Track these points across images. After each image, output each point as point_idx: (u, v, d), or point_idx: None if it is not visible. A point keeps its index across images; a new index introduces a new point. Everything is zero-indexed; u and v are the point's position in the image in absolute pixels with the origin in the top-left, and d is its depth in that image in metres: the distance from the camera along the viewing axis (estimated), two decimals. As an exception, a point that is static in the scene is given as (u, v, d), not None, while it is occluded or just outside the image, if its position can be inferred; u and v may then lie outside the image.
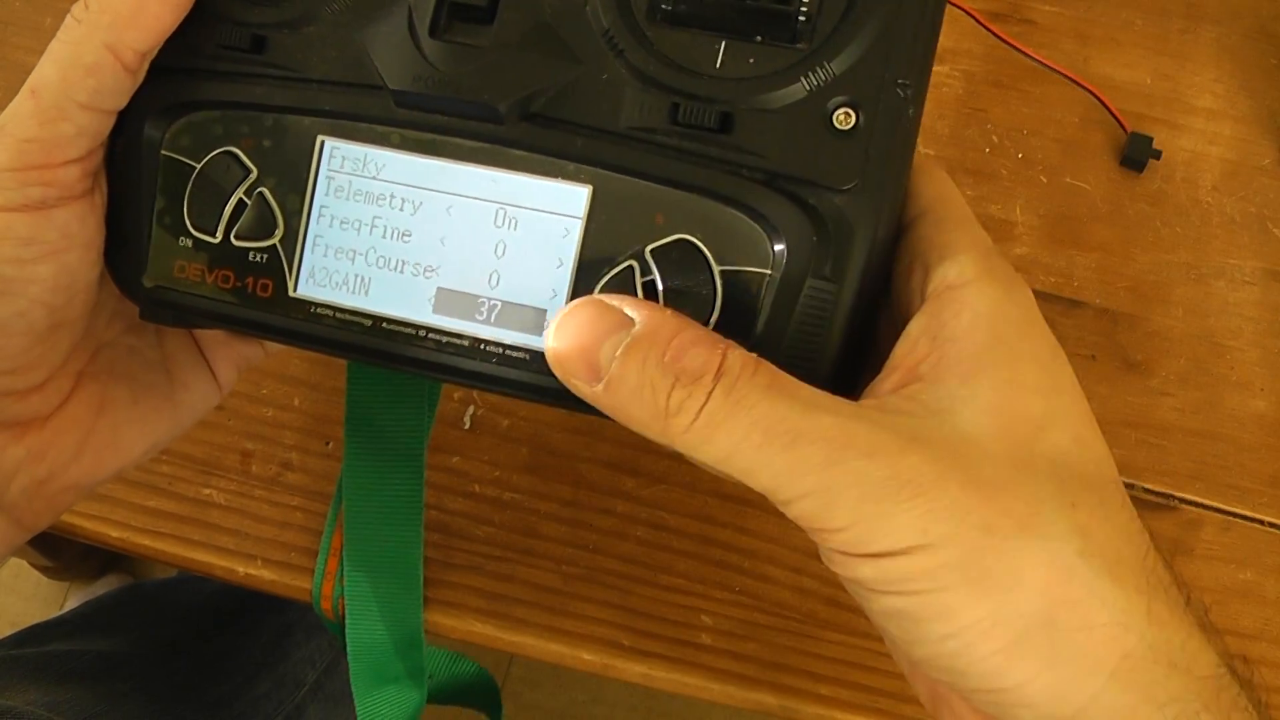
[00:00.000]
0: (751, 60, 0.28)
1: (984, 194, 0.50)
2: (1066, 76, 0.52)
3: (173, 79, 0.30)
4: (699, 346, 0.25)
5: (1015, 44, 0.52)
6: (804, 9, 0.28)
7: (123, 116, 0.30)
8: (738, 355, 0.25)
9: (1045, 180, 0.51)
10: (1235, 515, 0.45)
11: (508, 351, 0.29)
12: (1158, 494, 0.45)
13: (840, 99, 0.27)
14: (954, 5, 0.53)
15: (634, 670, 0.42)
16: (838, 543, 0.25)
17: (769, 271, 0.28)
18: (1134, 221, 0.50)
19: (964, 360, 0.26)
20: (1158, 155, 0.50)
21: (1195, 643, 0.25)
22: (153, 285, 0.31)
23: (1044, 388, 0.26)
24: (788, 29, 0.28)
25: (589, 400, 0.26)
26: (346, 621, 0.41)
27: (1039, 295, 0.48)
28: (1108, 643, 0.24)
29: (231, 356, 0.36)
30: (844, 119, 0.27)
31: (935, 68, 0.52)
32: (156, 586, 0.82)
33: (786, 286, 0.27)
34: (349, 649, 0.41)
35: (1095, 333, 0.48)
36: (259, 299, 0.30)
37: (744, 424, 0.24)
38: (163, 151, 0.31)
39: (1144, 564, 0.26)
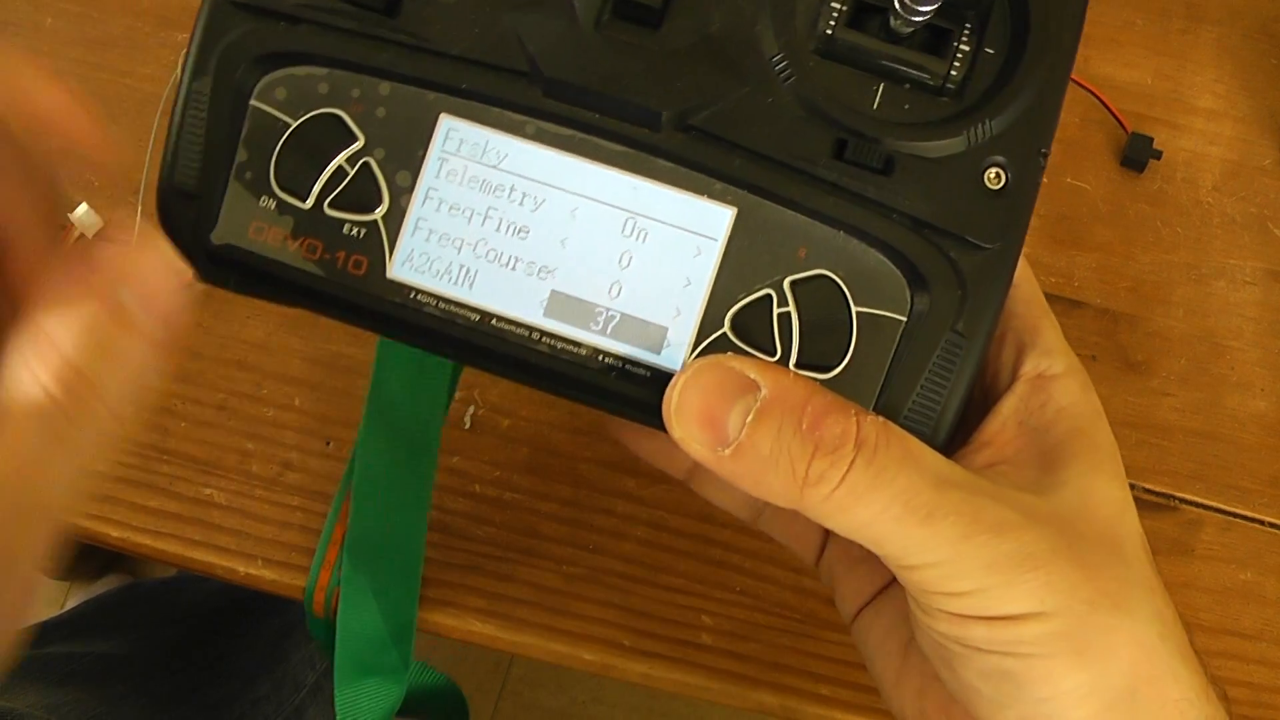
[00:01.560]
0: (907, 106, 0.28)
1: (984, 194, 0.50)
2: (1067, 77, 0.52)
3: (277, 26, 0.28)
4: (834, 414, 0.25)
5: (1016, 44, 0.52)
6: (957, 63, 0.28)
7: (210, 56, 0.28)
8: (872, 423, 0.26)
9: (1045, 180, 0.50)
10: (1235, 515, 0.45)
11: (625, 366, 0.28)
12: (1158, 494, 0.45)
13: (995, 159, 0.28)
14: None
15: (634, 670, 0.42)
16: (956, 606, 0.26)
17: (904, 319, 0.28)
18: (1134, 222, 0.50)
19: (1048, 450, 0.28)
20: (1158, 155, 0.50)
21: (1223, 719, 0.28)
22: (221, 244, 0.29)
23: (1118, 476, 0.29)
24: (936, 84, 0.28)
25: (709, 465, 0.26)
26: (340, 607, 0.41)
27: (1039, 295, 0.48)
28: (1176, 715, 0.27)
29: None
30: (995, 179, 0.28)
31: (936, 68, 0.52)
32: (156, 586, 0.82)
33: (923, 336, 0.27)
34: (338, 635, 0.41)
35: (1096, 333, 0.48)
36: (350, 275, 0.28)
37: (885, 496, 0.25)
38: (252, 101, 0.28)
39: (1193, 650, 0.28)
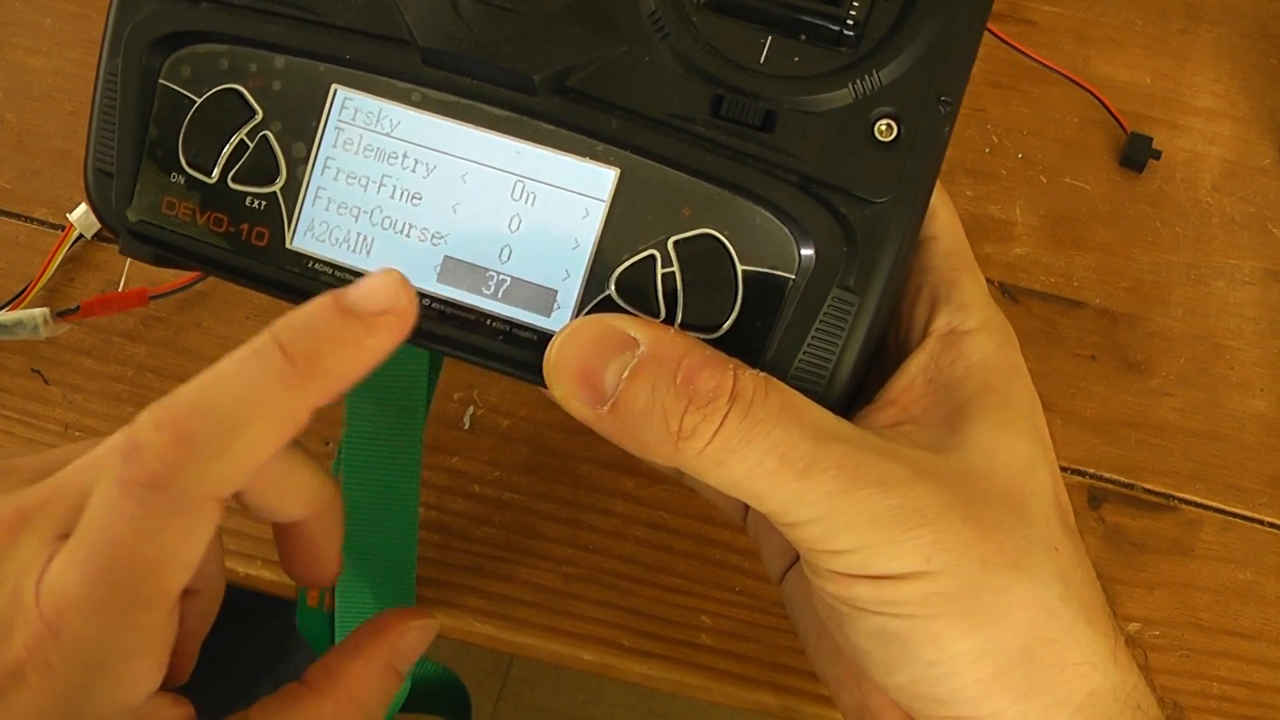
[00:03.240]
0: (796, 59, 0.27)
1: (984, 194, 0.50)
2: (1066, 77, 0.52)
3: (181, 5, 0.29)
4: (710, 368, 0.25)
5: (1015, 44, 0.52)
6: (853, 13, 0.27)
7: (122, 37, 0.29)
8: (749, 376, 0.25)
9: (1045, 180, 0.51)
10: (1235, 515, 0.45)
11: (514, 330, 0.28)
12: (1158, 494, 0.45)
13: (885, 109, 0.27)
14: (954, 5, 0.53)
15: (634, 670, 0.42)
16: (839, 564, 0.26)
17: (793, 276, 0.27)
18: (1134, 221, 0.50)
19: (956, 408, 0.27)
20: (1157, 155, 0.50)
21: (1143, 687, 0.27)
22: (137, 220, 0.30)
23: (1028, 433, 0.28)
24: (833, 32, 0.27)
25: (589, 423, 0.26)
26: (336, 605, 0.41)
27: (1039, 295, 0.48)
28: (1078, 680, 0.26)
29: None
30: (886, 130, 0.27)
31: (935, 68, 0.52)
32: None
33: (810, 293, 0.27)
34: (336, 634, 0.41)
35: (1095, 333, 0.48)
36: (253, 247, 0.29)
37: (759, 449, 0.24)
38: (160, 80, 0.29)
39: (1106, 610, 0.27)
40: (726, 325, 0.27)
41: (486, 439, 0.45)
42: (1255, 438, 0.46)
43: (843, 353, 0.27)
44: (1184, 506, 0.45)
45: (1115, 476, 0.46)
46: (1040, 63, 0.52)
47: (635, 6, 0.27)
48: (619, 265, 0.28)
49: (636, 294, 0.28)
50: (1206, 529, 0.45)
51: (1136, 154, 0.50)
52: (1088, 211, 0.50)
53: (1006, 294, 0.49)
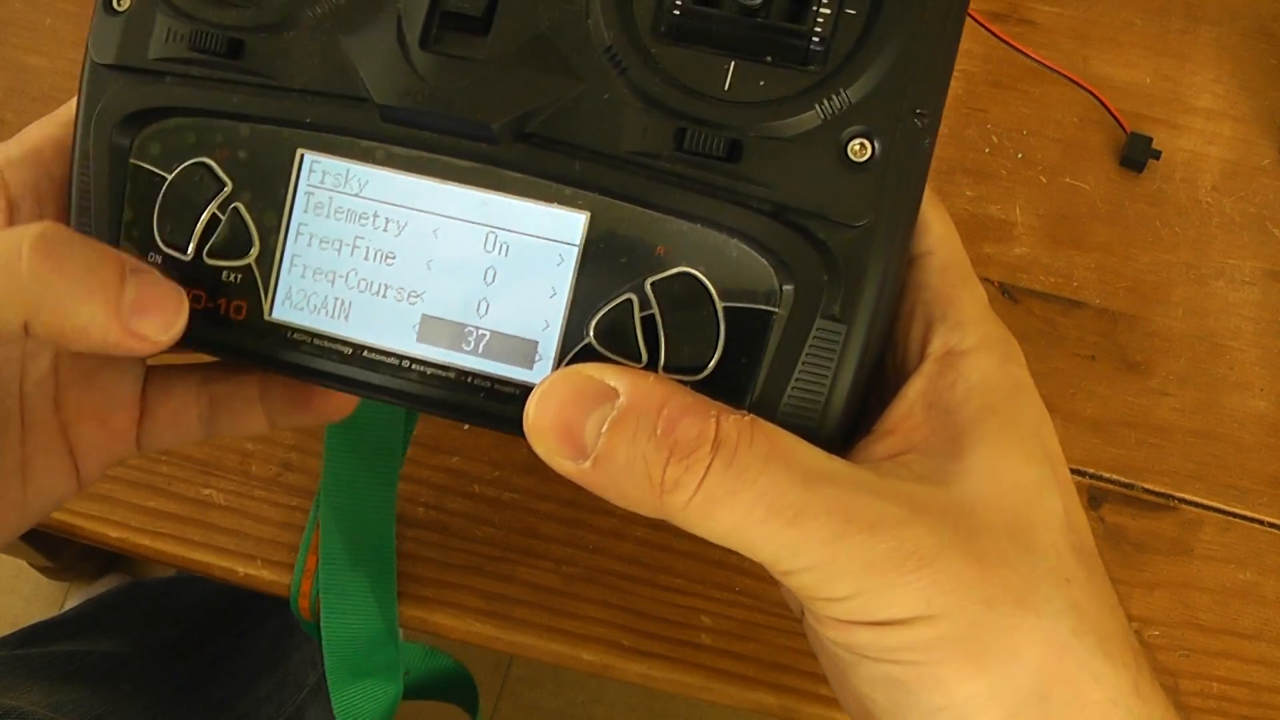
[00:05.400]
0: (761, 83, 0.26)
1: (984, 194, 0.50)
2: (1066, 77, 0.52)
3: (142, 82, 0.29)
4: (691, 415, 0.24)
5: (1015, 44, 0.52)
6: (818, 30, 0.26)
7: (91, 119, 0.29)
8: (732, 422, 0.24)
9: (1045, 180, 0.51)
10: (1235, 515, 0.45)
11: (496, 386, 0.27)
12: (1158, 494, 0.45)
13: (856, 129, 0.26)
14: (954, 5, 0.53)
15: (634, 670, 0.42)
16: (837, 611, 0.25)
17: (776, 310, 0.26)
18: (1134, 222, 0.50)
19: (958, 433, 0.26)
20: (1157, 155, 0.50)
21: (1172, 717, 0.26)
22: None
23: (1035, 456, 0.27)
24: (800, 51, 0.26)
25: (574, 478, 0.25)
26: (322, 615, 0.41)
27: (1039, 295, 0.48)
28: (1098, 718, 0.25)
29: (102, 453, 0.32)
30: (859, 150, 0.26)
31: (935, 68, 0.52)
32: (158, 585, 0.82)
33: (793, 326, 0.26)
34: (324, 643, 0.41)
35: (1095, 333, 0.48)
36: (232, 322, 0.29)
37: (746, 499, 0.24)
38: (131, 160, 0.29)
39: (1127, 639, 0.26)
40: (711, 365, 0.26)
41: (486, 439, 0.45)
42: (1255, 438, 0.46)
43: (834, 385, 0.26)
44: (1184, 506, 0.45)
45: (1115, 476, 0.46)
46: (1040, 63, 0.52)
47: (589, 42, 0.27)
48: (597, 311, 0.27)
49: (617, 339, 0.27)
50: (1206, 529, 0.45)
51: (1136, 154, 0.50)
52: (1087, 211, 0.50)
53: (1006, 294, 0.49)
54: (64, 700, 0.56)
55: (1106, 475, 0.46)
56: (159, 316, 0.27)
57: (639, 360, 0.27)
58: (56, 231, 0.26)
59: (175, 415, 0.33)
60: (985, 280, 0.49)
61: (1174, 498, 0.46)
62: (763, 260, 0.26)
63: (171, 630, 0.71)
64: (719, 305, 0.26)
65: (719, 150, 0.26)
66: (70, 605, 1.11)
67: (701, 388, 0.26)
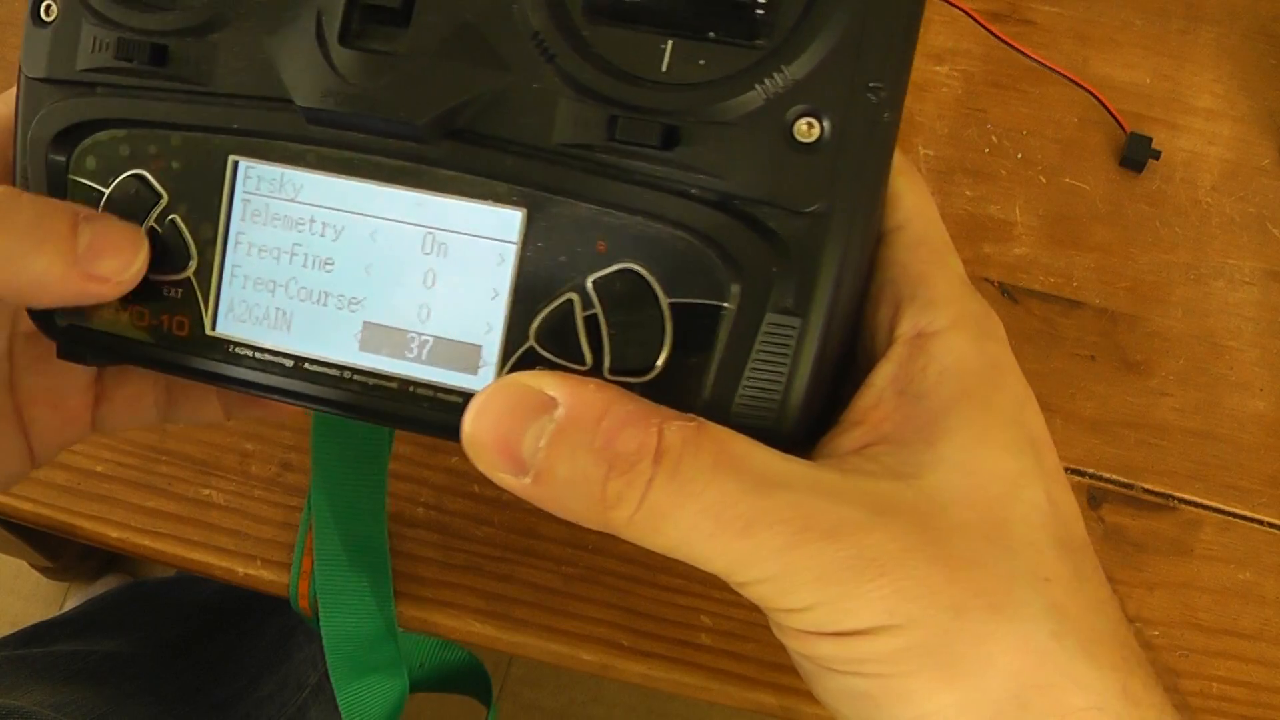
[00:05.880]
0: (702, 62, 0.24)
1: (984, 194, 0.50)
2: (1066, 77, 0.52)
3: (74, 94, 0.28)
4: (632, 426, 0.22)
5: (1014, 44, 0.52)
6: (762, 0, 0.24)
7: (26, 137, 0.28)
8: (676, 430, 0.22)
9: (1045, 180, 0.51)
10: (1235, 515, 0.45)
11: (439, 395, 0.26)
12: (1157, 494, 0.45)
13: (802, 107, 0.24)
14: (953, 5, 0.53)
15: (634, 670, 0.42)
16: (798, 622, 0.24)
17: (725, 304, 0.24)
18: (1133, 222, 0.50)
19: (931, 421, 0.24)
20: (1157, 155, 0.50)
21: (1169, 718, 0.24)
22: (66, 324, 0.29)
23: (1015, 443, 0.25)
24: (744, 23, 0.24)
25: (517, 493, 0.23)
26: (320, 615, 0.41)
27: (1039, 295, 0.48)
28: None
29: (56, 435, 0.32)
30: (807, 130, 0.24)
31: (934, 68, 0.52)
32: (160, 585, 0.82)
33: (742, 321, 0.24)
34: (325, 642, 0.42)
35: (1095, 333, 0.48)
36: (175, 338, 0.28)
37: (692, 512, 0.22)
38: (70, 176, 0.28)
39: (1117, 638, 0.24)
40: (659, 365, 0.25)
41: (486, 439, 0.45)
42: (1255, 438, 0.46)
43: (790, 382, 0.25)
44: (1183, 506, 0.45)
45: (1115, 476, 0.46)
46: (1040, 63, 0.52)
47: (517, 30, 0.25)
48: (538, 313, 0.25)
49: (560, 342, 0.25)
50: (1206, 529, 0.45)
51: (1136, 154, 0.50)
52: (1087, 211, 0.50)
53: (1006, 294, 0.49)
54: (66, 700, 0.56)
55: (1106, 475, 0.46)
56: (117, 257, 0.26)
57: (583, 363, 0.25)
58: (4, 191, 0.26)
59: (131, 401, 0.33)
60: (985, 280, 0.49)
61: (1174, 498, 0.46)
62: (709, 253, 0.24)
63: (173, 630, 0.71)
64: (664, 302, 0.25)
65: (653, 138, 0.24)
66: (70, 605, 1.11)
67: (650, 390, 0.25)
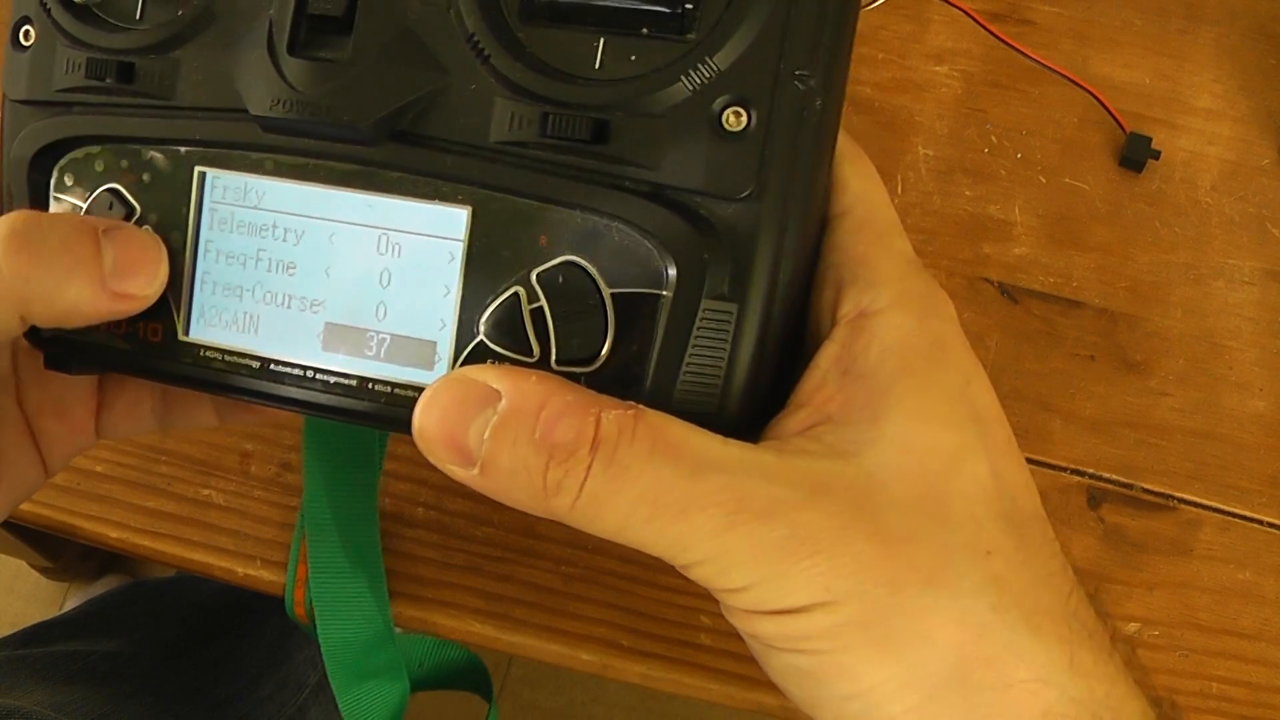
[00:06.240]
0: (634, 58, 0.25)
1: (983, 194, 0.50)
2: (1065, 77, 0.52)
3: (52, 114, 0.29)
4: (570, 415, 0.23)
5: (1014, 44, 0.52)
6: None
7: (8, 158, 0.29)
8: (613, 418, 0.23)
9: (1044, 180, 0.51)
10: (1234, 515, 0.45)
11: (397, 391, 0.27)
12: (1157, 494, 0.45)
13: (728, 97, 0.24)
14: (953, 5, 0.53)
15: (633, 670, 0.42)
16: (738, 601, 0.24)
17: (664, 292, 0.25)
18: (1133, 222, 0.50)
19: (873, 399, 0.25)
20: (1157, 155, 0.50)
21: (1121, 689, 0.24)
22: (50, 334, 0.29)
23: (956, 418, 0.25)
24: (674, 20, 0.25)
25: (468, 485, 0.24)
26: (317, 623, 0.41)
27: (1038, 295, 0.48)
28: (1026, 699, 0.23)
29: (65, 444, 0.33)
30: (734, 120, 0.24)
31: (934, 68, 0.52)
32: (160, 585, 0.82)
33: (678, 309, 0.25)
34: (323, 649, 0.42)
35: (1094, 333, 0.48)
36: (151, 345, 0.29)
37: (629, 498, 0.23)
38: (53, 194, 0.29)
39: (1066, 609, 0.24)
40: (604, 355, 0.26)
41: (486, 439, 0.45)
42: (1254, 438, 0.46)
43: (731, 366, 0.25)
44: (1183, 506, 0.45)
45: (1114, 476, 0.46)
46: (1039, 63, 0.52)
47: (454, 33, 0.26)
48: (486, 307, 0.26)
49: (508, 335, 0.26)
50: (1205, 529, 0.45)
51: (1136, 154, 0.50)
52: (1087, 211, 0.50)
53: (1006, 294, 0.49)
54: (67, 700, 0.56)
55: (1106, 475, 0.46)
56: (141, 274, 0.27)
57: (531, 355, 0.26)
58: (25, 221, 0.27)
59: (130, 408, 0.34)
60: (984, 280, 0.49)
61: (1173, 498, 0.46)
62: (645, 243, 0.25)
63: (173, 630, 0.71)
64: (606, 292, 0.26)
65: (583, 133, 0.25)
66: (70, 605, 1.11)
67: (595, 380, 0.26)
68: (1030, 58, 0.52)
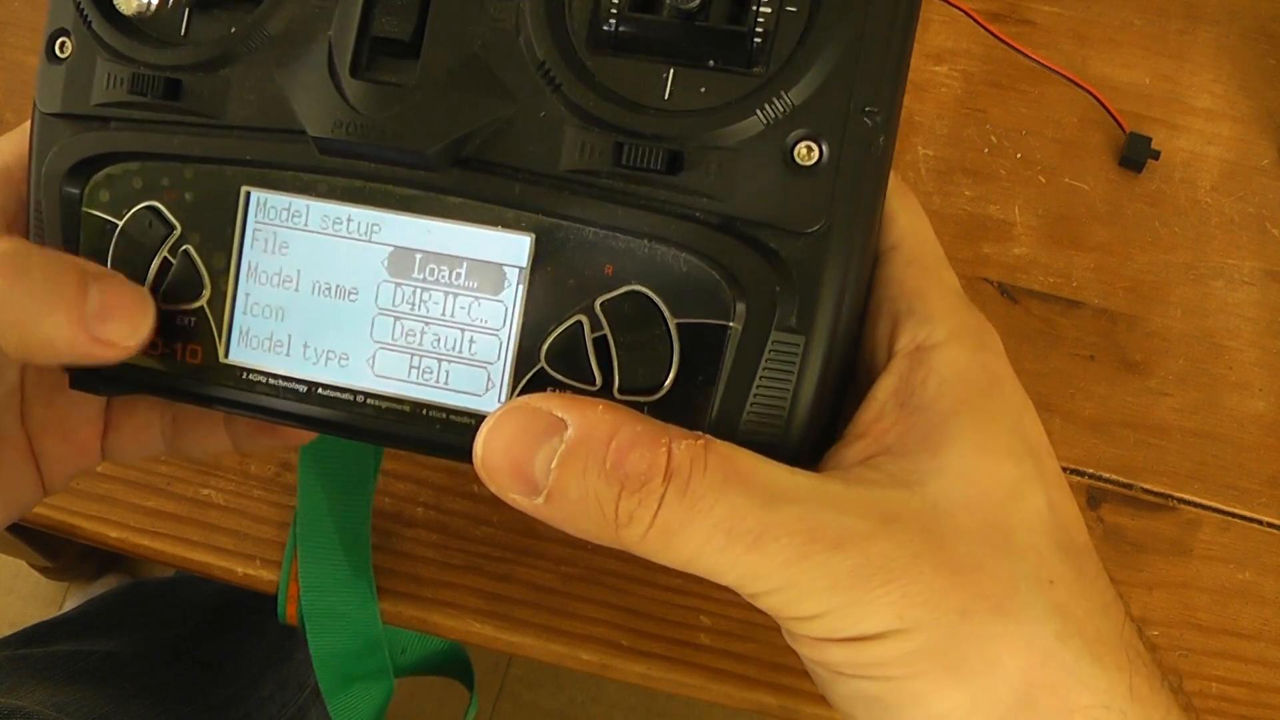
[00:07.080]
0: (703, 89, 0.25)
1: (983, 194, 0.50)
2: (1065, 77, 0.52)
3: (88, 129, 0.28)
4: (641, 446, 0.23)
5: (1014, 44, 0.52)
6: (759, 28, 0.25)
7: (40, 171, 0.29)
8: (685, 449, 0.23)
9: (1044, 180, 0.51)
10: (1234, 515, 0.45)
11: (452, 418, 0.27)
12: (1157, 494, 0.46)
13: (801, 132, 0.25)
14: (953, 5, 0.53)
15: (633, 670, 0.42)
16: (809, 629, 0.24)
17: (731, 324, 0.25)
18: (1133, 222, 0.50)
19: (932, 431, 0.25)
20: (1156, 155, 0.50)
21: (1175, 717, 0.25)
22: None
23: (1014, 451, 0.25)
24: (742, 52, 0.25)
25: (530, 513, 0.24)
26: (308, 636, 0.42)
27: (1038, 295, 0.48)
28: None
29: (67, 464, 0.32)
30: (806, 154, 0.25)
31: (934, 68, 0.52)
32: (160, 585, 0.82)
33: (748, 340, 0.25)
34: (313, 659, 0.42)
35: (1094, 333, 0.48)
36: (189, 366, 0.28)
37: (704, 528, 0.23)
38: (83, 209, 0.29)
39: (1122, 638, 0.25)
40: (667, 385, 0.26)
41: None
42: (1254, 438, 0.46)
43: (796, 398, 0.25)
44: (1183, 506, 0.45)
45: (1114, 476, 0.46)
46: (1039, 63, 0.52)
47: (522, 61, 0.26)
48: (548, 335, 0.26)
49: (570, 363, 0.26)
50: (1205, 529, 0.45)
51: (1135, 154, 0.50)
52: (1087, 211, 0.50)
53: (1005, 294, 0.49)
54: (67, 700, 0.56)
55: (1105, 475, 0.46)
56: (124, 321, 0.27)
57: (593, 383, 0.26)
58: (16, 248, 0.26)
59: (138, 432, 0.33)
60: (984, 280, 0.49)
61: (1173, 498, 0.46)
62: (713, 274, 0.25)
63: (173, 630, 0.71)
64: (671, 323, 0.26)
65: (658, 163, 0.25)
66: (70, 605, 1.11)
67: (659, 409, 0.26)
68: (1030, 58, 0.52)
